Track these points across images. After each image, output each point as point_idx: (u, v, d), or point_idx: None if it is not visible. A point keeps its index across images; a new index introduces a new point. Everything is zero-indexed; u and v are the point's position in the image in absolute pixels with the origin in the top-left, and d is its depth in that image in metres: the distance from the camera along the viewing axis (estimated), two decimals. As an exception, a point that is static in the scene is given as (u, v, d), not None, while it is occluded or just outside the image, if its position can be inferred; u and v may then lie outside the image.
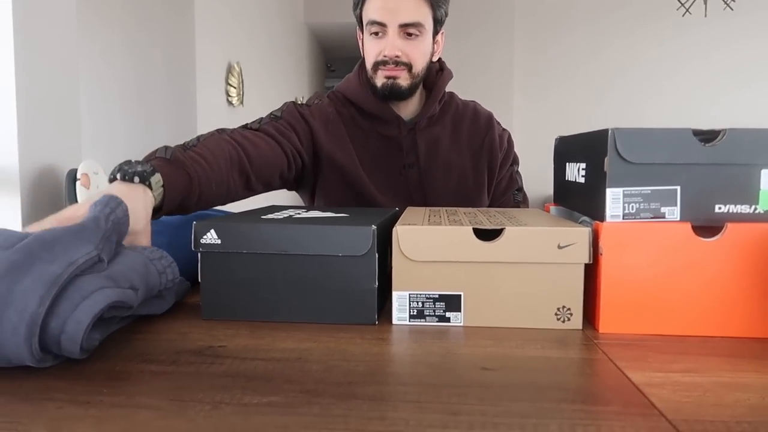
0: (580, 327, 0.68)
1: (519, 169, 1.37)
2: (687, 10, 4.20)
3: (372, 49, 1.15)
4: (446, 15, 1.20)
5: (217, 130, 1.06)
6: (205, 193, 0.90)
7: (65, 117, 1.91)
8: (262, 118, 1.19)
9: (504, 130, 1.34)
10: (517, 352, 0.60)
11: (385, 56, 1.13)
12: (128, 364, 0.56)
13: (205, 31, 3.23)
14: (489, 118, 1.32)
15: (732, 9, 4.21)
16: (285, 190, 1.27)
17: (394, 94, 1.16)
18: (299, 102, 1.23)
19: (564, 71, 5.57)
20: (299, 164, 1.18)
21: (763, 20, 5.38)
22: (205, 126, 3.24)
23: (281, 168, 1.12)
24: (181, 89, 3.04)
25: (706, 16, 4.29)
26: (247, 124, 1.16)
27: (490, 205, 1.30)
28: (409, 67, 1.15)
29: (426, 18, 1.13)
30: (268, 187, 1.12)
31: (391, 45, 1.12)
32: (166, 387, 0.50)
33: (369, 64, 1.17)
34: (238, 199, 1.02)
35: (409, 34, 1.12)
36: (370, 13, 1.13)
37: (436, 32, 1.19)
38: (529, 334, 0.66)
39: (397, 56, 1.13)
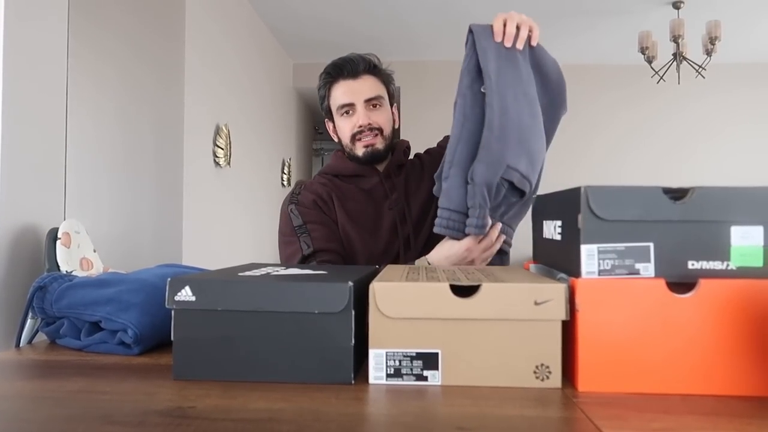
0: (560, 385, 0.67)
1: None
2: (661, 78, 4.38)
3: (346, 126, 1.34)
4: (395, 91, 1.42)
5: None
6: None
7: (49, 176, 1.91)
8: (300, 239, 1.30)
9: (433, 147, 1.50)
10: (495, 412, 0.59)
11: (360, 126, 1.32)
12: (91, 426, 0.53)
13: (194, 93, 3.30)
14: (429, 150, 1.49)
15: (704, 77, 4.40)
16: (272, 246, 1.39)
17: (375, 158, 1.35)
18: (289, 206, 1.35)
19: (546, 134, 5.72)
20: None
21: (731, 85, 5.62)
22: (191, 186, 3.26)
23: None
24: (169, 149, 3.07)
25: (679, 83, 4.47)
26: (305, 256, 1.27)
27: None
28: (380, 131, 1.34)
29: (383, 91, 1.35)
30: None
31: (362, 116, 1.31)
32: (128, 450, 0.48)
33: (346, 140, 1.35)
34: None
35: (374, 106, 1.33)
36: (337, 99, 1.33)
37: (391, 104, 1.40)
38: (507, 393, 0.64)
39: (369, 123, 1.32)
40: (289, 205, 1.35)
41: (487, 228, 1.12)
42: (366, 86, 1.32)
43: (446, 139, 1.40)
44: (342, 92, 1.32)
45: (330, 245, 1.28)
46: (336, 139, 1.41)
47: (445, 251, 1.16)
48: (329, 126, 1.42)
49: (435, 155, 1.43)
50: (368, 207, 1.35)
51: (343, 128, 1.35)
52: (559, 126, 1.24)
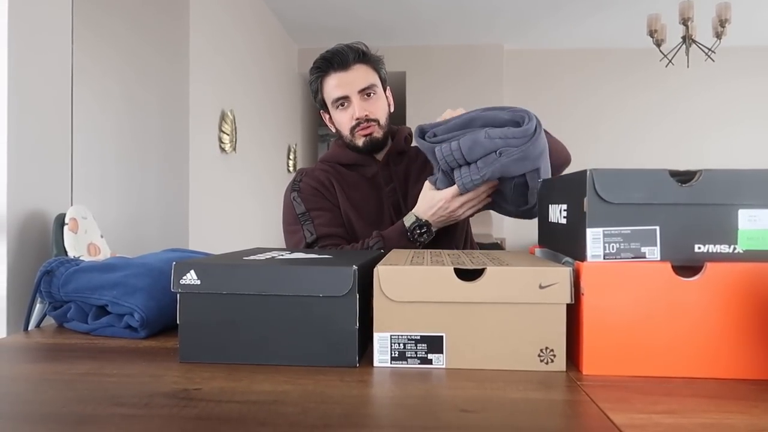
0: (564, 369, 0.67)
1: None
2: (670, 61, 4.33)
3: (343, 119, 1.34)
4: (386, 75, 1.41)
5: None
6: None
7: (56, 162, 1.92)
8: (303, 227, 1.31)
9: None
10: (499, 394, 0.59)
11: (357, 119, 1.32)
12: (99, 407, 0.54)
13: (200, 79, 3.29)
14: None
15: (713, 60, 4.35)
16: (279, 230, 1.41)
17: (374, 146, 1.36)
18: (291, 194, 1.36)
19: (552, 118, 5.66)
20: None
21: (741, 69, 5.55)
22: (197, 172, 3.26)
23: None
24: (175, 136, 3.07)
25: (688, 66, 4.42)
26: (309, 243, 1.29)
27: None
28: (377, 121, 1.34)
29: (375, 78, 1.35)
30: None
31: (358, 108, 1.32)
32: (135, 431, 0.49)
33: (346, 131, 1.35)
34: None
35: (368, 95, 1.33)
36: (330, 92, 1.33)
37: (384, 89, 1.39)
38: (512, 376, 0.65)
39: (366, 115, 1.32)
40: (291, 193, 1.35)
41: (474, 188, 1.11)
42: (358, 76, 1.31)
43: None
44: (334, 85, 1.32)
45: (333, 230, 1.29)
46: (333, 130, 1.41)
47: (427, 202, 1.18)
48: (325, 117, 1.42)
49: None
50: (370, 195, 1.36)
51: (341, 121, 1.35)
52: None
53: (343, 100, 1.32)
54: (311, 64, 1.36)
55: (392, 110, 1.42)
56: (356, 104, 1.31)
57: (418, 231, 1.19)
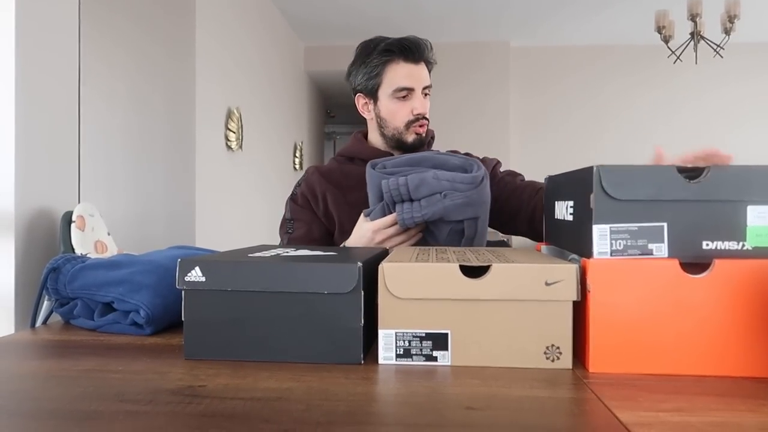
0: (570, 366, 0.66)
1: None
2: (678, 58, 4.30)
3: (401, 110, 1.31)
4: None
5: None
6: None
7: (63, 160, 1.93)
8: (284, 231, 1.37)
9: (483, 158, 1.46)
10: (504, 392, 0.59)
11: (417, 114, 1.30)
12: (104, 404, 0.54)
13: (206, 77, 3.30)
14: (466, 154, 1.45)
15: (722, 56, 4.31)
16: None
17: (422, 143, 1.35)
18: (291, 196, 1.40)
19: (559, 115, 5.67)
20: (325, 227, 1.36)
21: (751, 65, 5.51)
22: (204, 169, 3.27)
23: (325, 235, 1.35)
24: (181, 134, 3.08)
25: (696, 63, 4.39)
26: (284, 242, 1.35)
27: (526, 206, 1.32)
28: (428, 122, 1.35)
29: (430, 80, 1.34)
30: None
31: (420, 104, 1.30)
32: (139, 427, 0.49)
33: (399, 123, 1.32)
34: None
35: (425, 95, 1.32)
36: (397, 80, 1.30)
37: None
38: (517, 374, 0.64)
39: (425, 113, 1.32)
40: (291, 195, 1.39)
41: (411, 225, 1.09)
42: (425, 74, 1.31)
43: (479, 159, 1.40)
44: (404, 75, 1.29)
45: (313, 237, 1.32)
46: (370, 117, 1.37)
47: (357, 232, 1.16)
48: (362, 102, 1.37)
49: (491, 166, 1.41)
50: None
51: (397, 112, 1.31)
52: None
53: (407, 92, 1.29)
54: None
55: None
56: (419, 99, 1.30)
57: None
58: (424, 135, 1.34)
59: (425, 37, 1.34)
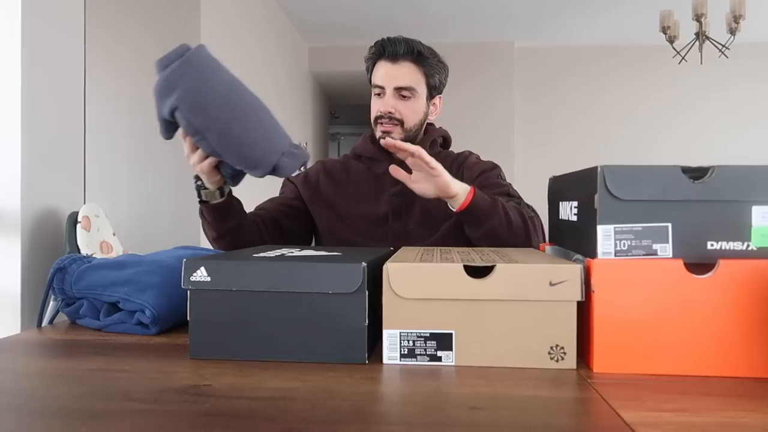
0: (575, 366, 0.66)
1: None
2: (683, 58, 4.29)
3: (373, 107, 1.35)
4: (442, 83, 1.39)
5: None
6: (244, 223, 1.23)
7: (69, 161, 1.94)
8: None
9: (472, 154, 1.44)
10: (509, 392, 0.59)
11: (380, 112, 1.32)
12: (110, 403, 0.54)
13: (211, 78, 3.30)
14: (465, 152, 1.44)
15: (727, 57, 4.29)
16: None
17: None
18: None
19: (563, 117, 5.65)
20: (295, 211, 1.39)
21: (756, 66, 5.49)
22: (208, 170, 3.27)
23: (285, 213, 1.37)
24: (186, 134, 3.08)
25: (702, 63, 4.37)
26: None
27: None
28: (401, 123, 1.32)
29: (419, 83, 1.32)
30: (280, 230, 1.34)
31: (386, 103, 1.31)
32: (145, 426, 0.49)
33: (372, 121, 1.36)
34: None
35: (403, 96, 1.31)
36: (374, 78, 1.34)
37: (431, 96, 1.37)
38: (522, 374, 0.64)
39: (390, 112, 1.31)
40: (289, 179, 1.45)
41: None
42: (401, 73, 1.30)
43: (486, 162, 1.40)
44: (379, 74, 1.32)
45: (264, 206, 1.38)
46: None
47: None
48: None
49: (474, 169, 1.36)
50: (370, 192, 1.36)
51: (372, 108, 1.36)
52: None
53: (380, 90, 1.32)
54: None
55: (433, 118, 1.41)
56: (387, 99, 1.31)
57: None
58: (394, 136, 1.30)
59: (430, 38, 1.35)
